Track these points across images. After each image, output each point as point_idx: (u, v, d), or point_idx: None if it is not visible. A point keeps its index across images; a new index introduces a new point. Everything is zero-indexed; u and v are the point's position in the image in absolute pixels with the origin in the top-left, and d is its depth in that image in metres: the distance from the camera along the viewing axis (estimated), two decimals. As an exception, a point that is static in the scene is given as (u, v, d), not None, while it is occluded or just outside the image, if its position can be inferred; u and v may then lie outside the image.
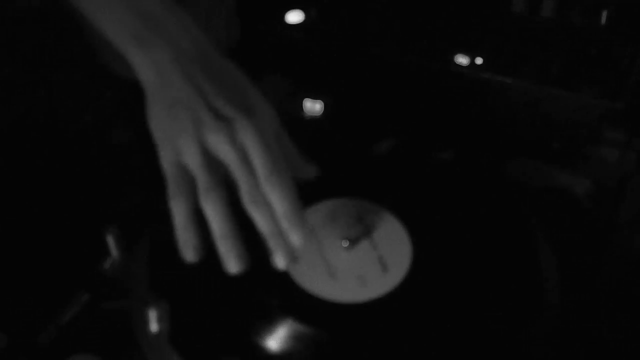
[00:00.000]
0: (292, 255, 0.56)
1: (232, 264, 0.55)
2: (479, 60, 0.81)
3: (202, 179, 0.55)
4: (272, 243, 0.56)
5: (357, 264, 0.64)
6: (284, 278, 0.63)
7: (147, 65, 0.57)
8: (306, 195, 0.65)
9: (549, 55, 0.80)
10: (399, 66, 0.83)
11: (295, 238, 0.56)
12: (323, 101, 0.86)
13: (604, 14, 0.82)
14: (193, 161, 0.55)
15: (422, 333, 0.60)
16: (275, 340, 0.59)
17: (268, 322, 0.60)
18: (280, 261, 0.56)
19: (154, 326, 0.59)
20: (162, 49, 0.56)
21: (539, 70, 0.79)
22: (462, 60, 0.81)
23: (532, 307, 0.63)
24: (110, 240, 0.66)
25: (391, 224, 0.68)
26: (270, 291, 0.63)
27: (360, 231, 0.67)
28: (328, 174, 0.67)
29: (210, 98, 0.55)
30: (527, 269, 0.65)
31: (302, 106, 0.86)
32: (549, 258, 0.67)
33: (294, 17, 0.90)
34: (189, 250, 0.56)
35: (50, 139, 0.77)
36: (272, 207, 0.55)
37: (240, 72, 0.59)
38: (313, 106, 0.86)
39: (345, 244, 0.65)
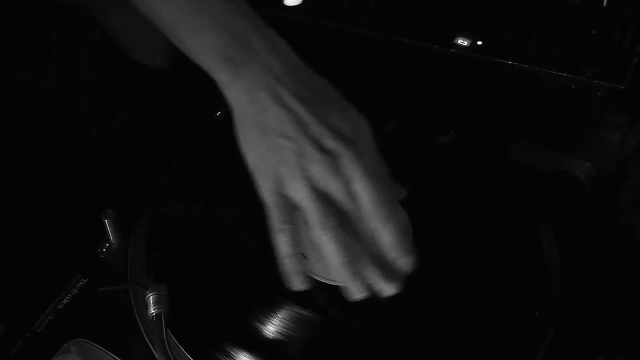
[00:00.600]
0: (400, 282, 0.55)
1: (355, 291, 0.55)
2: (479, 43, 0.80)
3: (312, 211, 0.54)
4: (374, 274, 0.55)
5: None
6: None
7: (238, 88, 0.56)
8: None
9: (550, 37, 0.80)
10: (399, 49, 0.82)
11: (405, 265, 0.55)
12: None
13: (605, -4, 0.82)
14: (299, 194, 0.54)
15: (423, 315, 0.60)
16: (274, 324, 0.59)
17: (267, 305, 0.60)
18: (359, 291, 0.55)
19: (152, 310, 0.58)
20: (254, 71, 0.55)
21: (540, 53, 0.78)
22: (462, 42, 0.80)
23: (534, 289, 0.62)
24: (108, 225, 0.66)
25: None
26: (269, 274, 0.62)
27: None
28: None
29: (311, 127, 0.54)
30: (529, 251, 0.65)
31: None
32: (551, 241, 0.67)
33: None
34: (298, 278, 0.56)
35: (48, 122, 0.76)
36: (380, 238, 0.55)
37: (333, 88, 0.58)
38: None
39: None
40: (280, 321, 0.59)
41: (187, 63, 0.58)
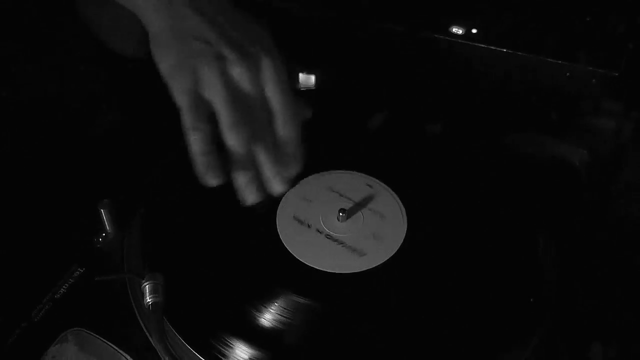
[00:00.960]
0: (288, 182, 0.58)
1: (250, 196, 0.57)
2: (474, 31, 0.80)
3: (227, 113, 0.55)
4: (273, 171, 0.57)
5: (352, 235, 0.64)
6: (280, 250, 0.63)
7: (157, 4, 0.56)
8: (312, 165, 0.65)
9: (544, 24, 0.80)
10: (393, 37, 0.82)
11: (294, 168, 0.58)
12: (317, 74, 0.85)
13: (600, -18, 0.82)
14: (217, 94, 0.55)
15: (419, 305, 0.60)
16: (271, 312, 0.59)
17: (264, 294, 0.60)
18: (278, 187, 0.58)
19: (148, 299, 0.58)
20: None
21: (535, 40, 0.78)
22: (457, 30, 0.80)
23: (529, 275, 0.63)
24: (104, 215, 0.66)
25: (386, 196, 0.67)
26: (266, 262, 0.63)
27: (355, 203, 0.67)
28: (322, 146, 0.67)
29: (230, 33, 0.56)
30: (524, 239, 0.65)
31: (296, 79, 0.85)
32: (546, 227, 0.67)
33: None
34: (210, 173, 0.56)
35: (44, 114, 0.76)
36: (281, 132, 0.57)
37: (248, 14, 0.59)
38: (307, 79, 0.85)
39: (341, 215, 0.65)
40: (277, 309, 0.59)
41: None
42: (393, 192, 0.67)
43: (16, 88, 0.76)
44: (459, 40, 0.80)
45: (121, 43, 0.75)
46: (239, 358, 0.57)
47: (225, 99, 0.55)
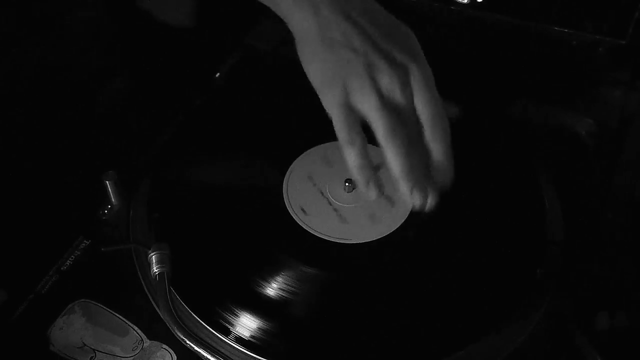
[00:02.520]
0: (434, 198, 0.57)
1: (418, 199, 0.56)
2: (479, 0, 0.79)
3: (382, 120, 0.54)
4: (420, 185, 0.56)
5: (361, 205, 0.64)
6: (287, 221, 0.63)
7: (303, 6, 0.56)
8: (311, 137, 0.64)
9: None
10: (397, 6, 0.81)
11: (448, 178, 0.58)
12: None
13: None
14: (370, 104, 0.55)
15: (428, 271, 0.60)
16: (277, 281, 0.59)
17: (270, 263, 0.60)
18: (421, 200, 0.57)
19: (155, 269, 0.58)
20: None
21: (541, 8, 0.77)
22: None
23: (536, 245, 0.63)
24: (109, 186, 0.65)
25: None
26: (273, 232, 0.63)
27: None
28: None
29: (378, 41, 0.55)
30: (531, 208, 0.65)
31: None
32: (552, 197, 0.67)
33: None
34: (372, 187, 0.57)
35: (48, 84, 0.75)
36: (432, 150, 0.56)
37: (389, 13, 0.58)
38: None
39: (348, 185, 0.64)
40: (284, 278, 0.59)
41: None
42: None
43: (20, 60, 0.75)
44: (465, 10, 0.79)
45: (173, 12, 0.74)
46: (245, 327, 0.57)
47: (379, 107, 0.54)
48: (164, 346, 0.57)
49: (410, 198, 0.56)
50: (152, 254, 0.59)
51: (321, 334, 0.57)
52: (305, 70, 0.57)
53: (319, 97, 0.57)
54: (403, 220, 0.63)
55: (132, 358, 0.57)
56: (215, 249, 0.62)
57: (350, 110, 0.55)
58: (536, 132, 0.74)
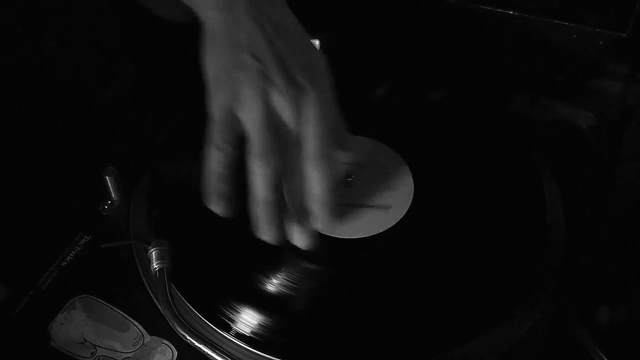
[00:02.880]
0: (309, 237, 0.55)
1: (267, 233, 0.54)
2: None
3: (259, 141, 0.52)
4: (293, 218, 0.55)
5: (360, 199, 0.64)
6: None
7: (219, 4, 0.54)
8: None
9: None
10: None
11: (320, 224, 0.55)
12: (319, 40, 0.84)
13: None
14: (254, 119, 0.52)
15: (428, 268, 0.60)
16: (278, 277, 0.59)
17: (271, 259, 0.60)
18: (296, 239, 0.55)
19: (155, 265, 0.58)
20: None
21: (541, 1, 0.77)
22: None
23: (538, 240, 0.63)
24: (109, 182, 0.65)
25: (393, 160, 0.67)
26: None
27: (362, 167, 0.66)
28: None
29: (283, 55, 0.53)
30: (532, 202, 0.65)
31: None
32: (554, 191, 0.67)
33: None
34: (217, 200, 0.54)
35: (50, 81, 0.75)
36: (307, 186, 0.54)
37: (301, 26, 0.56)
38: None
39: (348, 180, 0.64)
40: (284, 275, 0.59)
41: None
42: (401, 156, 0.67)
43: (23, 55, 0.75)
44: (465, 3, 0.79)
45: (169, 7, 0.73)
46: (245, 323, 0.57)
47: (261, 126, 0.52)
48: (165, 341, 0.57)
49: (260, 228, 0.54)
50: (152, 250, 0.59)
51: (321, 329, 0.57)
52: (203, 62, 0.55)
53: (208, 94, 0.54)
54: (402, 216, 0.62)
55: (132, 353, 0.57)
56: (215, 245, 0.62)
57: (232, 117, 0.53)
58: (536, 125, 0.74)
